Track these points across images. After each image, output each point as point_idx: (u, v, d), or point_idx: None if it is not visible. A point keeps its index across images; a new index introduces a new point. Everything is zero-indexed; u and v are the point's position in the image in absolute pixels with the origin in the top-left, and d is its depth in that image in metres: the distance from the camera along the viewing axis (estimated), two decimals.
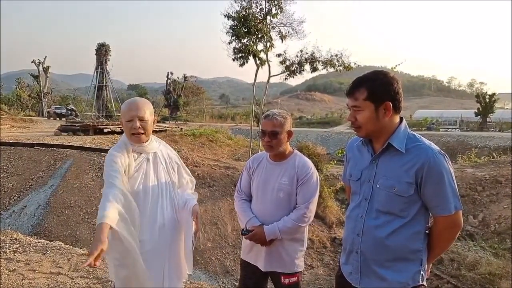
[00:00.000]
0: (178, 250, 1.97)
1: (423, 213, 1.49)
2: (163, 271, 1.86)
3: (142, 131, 1.85)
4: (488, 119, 34.30)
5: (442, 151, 1.45)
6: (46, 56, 33.66)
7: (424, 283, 1.52)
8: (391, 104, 1.46)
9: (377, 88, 1.46)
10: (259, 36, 11.48)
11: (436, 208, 1.45)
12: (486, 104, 33.49)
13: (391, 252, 1.48)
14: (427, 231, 1.52)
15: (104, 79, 25.88)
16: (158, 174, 1.92)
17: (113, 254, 1.68)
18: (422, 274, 1.50)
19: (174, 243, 1.95)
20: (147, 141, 1.92)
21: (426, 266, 1.54)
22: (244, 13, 11.20)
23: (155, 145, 1.98)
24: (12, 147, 10.05)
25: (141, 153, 1.91)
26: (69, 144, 10.57)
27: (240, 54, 11.62)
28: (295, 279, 2.10)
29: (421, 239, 1.49)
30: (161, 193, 1.91)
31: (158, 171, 1.93)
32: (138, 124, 1.82)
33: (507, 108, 54.99)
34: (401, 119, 1.54)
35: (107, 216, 1.55)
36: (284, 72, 12.40)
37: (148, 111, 1.87)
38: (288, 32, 11.93)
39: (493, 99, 33.60)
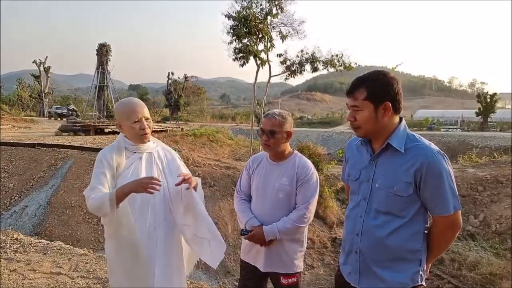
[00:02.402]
0: (171, 253, 1.91)
1: (422, 213, 1.49)
2: (153, 274, 1.82)
3: (148, 131, 1.88)
4: (489, 119, 34.24)
5: (441, 151, 1.45)
6: (47, 56, 33.75)
7: (423, 283, 1.51)
8: (390, 104, 1.45)
9: (377, 88, 1.46)
10: (260, 36, 11.47)
11: (435, 208, 1.45)
12: (487, 104, 33.43)
13: (390, 252, 1.48)
14: (426, 231, 1.52)
15: (105, 79, 25.88)
16: (151, 174, 1.86)
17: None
18: (421, 274, 1.50)
19: (168, 246, 1.90)
20: (148, 140, 1.93)
21: (425, 266, 1.54)
22: (244, 13, 11.20)
23: (152, 145, 1.95)
24: (13, 147, 10.07)
25: (134, 152, 1.88)
26: (70, 144, 10.59)
27: (241, 54, 11.61)
28: (294, 279, 2.10)
29: (420, 239, 1.49)
30: (154, 193, 1.85)
31: (152, 172, 1.88)
32: (145, 123, 1.85)
33: (508, 108, 54.92)
34: (400, 119, 1.54)
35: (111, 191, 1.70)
36: (284, 72, 12.40)
37: (147, 110, 1.91)
38: (289, 32, 11.93)
39: (494, 99, 33.55)
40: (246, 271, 2.20)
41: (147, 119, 1.87)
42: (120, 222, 1.72)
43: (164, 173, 1.94)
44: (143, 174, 1.83)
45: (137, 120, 1.82)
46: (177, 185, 1.82)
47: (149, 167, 1.89)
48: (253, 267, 2.15)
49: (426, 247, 1.52)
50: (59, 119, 26.39)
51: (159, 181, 1.69)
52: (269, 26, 11.63)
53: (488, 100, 33.51)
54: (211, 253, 1.89)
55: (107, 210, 1.65)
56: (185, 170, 2.02)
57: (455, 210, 1.44)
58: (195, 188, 1.91)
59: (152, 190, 1.66)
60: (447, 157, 1.46)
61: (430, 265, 1.60)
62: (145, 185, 1.65)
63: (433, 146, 1.46)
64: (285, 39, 11.95)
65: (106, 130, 15.74)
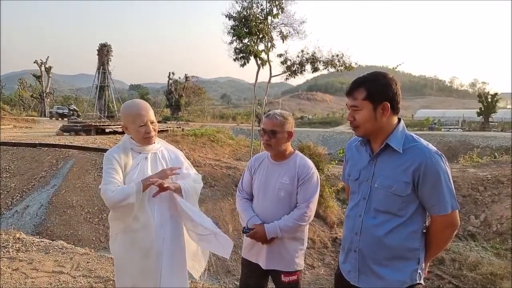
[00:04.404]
0: (176, 252, 1.95)
1: (421, 212, 1.51)
2: (160, 271, 1.86)
3: (153, 133, 1.92)
4: (490, 119, 34.20)
5: (439, 152, 1.47)
6: (48, 57, 33.88)
7: (422, 281, 1.53)
8: (389, 105, 1.47)
9: (376, 89, 1.48)
10: (260, 36, 11.49)
11: (433, 208, 1.47)
12: (488, 104, 33.41)
13: (389, 250, 1.50)
14: (424, 230, 1.54)
15: (106, 79, 25.87)
16: None
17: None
18: (419, 273, 1.52)
19: (174, 244, 1.94)
20: (154, 142, 1.97)
21: (424, 265, 1.55)
22: (245, 13, 11.22)
23: (156, 146, 2.01)
24: (15, 147, 10.10)
25: (140, 153, 1.93)
26: (71, 144, 10.62)
27: (241, 54, 11.63)
28: (295, 277, 2.12)
29: (419, 238, 1.51)
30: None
31: (157, 171, 1.92)
32: (151, 127, 1.89)
33: (509, 108, 54.82)
34: (399, 119, 1.56)
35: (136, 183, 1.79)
36: (285, 72, 12.43)
37: (152, 113, 1.95)
38: (289, 32, 11.95)
39: (495, 99, 33.51)
40: (248, 269, 2.22)
41: (152, 122, 1.91)
42: (136, 216, 1.77)
43: None
44: (149, 174, 1.89)
45: (142, 124, 1.86)
46: (153, 196, 1.84)
47: (154, 167, 1.94)
48: (255, 265, 2.17)
49: (424, 245, 1.53)
50: (60, 119, 26.44)
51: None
52: (269, 26, 11.65)
53: (489, 100, 33.49)
54: (221, 245, 1.94)
55: (133, 200, 1.72)
56: (188, 168, 2.08)
57: (453, 210, 1.46)
58: (178, 192, 1.92)
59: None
60: (444, 157, 1.48)
61: (428, 263, 1.62)
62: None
63: (431, 146, 1.48)
64: (285, 39, 11.97)
65: (107, 130, 15.77)
